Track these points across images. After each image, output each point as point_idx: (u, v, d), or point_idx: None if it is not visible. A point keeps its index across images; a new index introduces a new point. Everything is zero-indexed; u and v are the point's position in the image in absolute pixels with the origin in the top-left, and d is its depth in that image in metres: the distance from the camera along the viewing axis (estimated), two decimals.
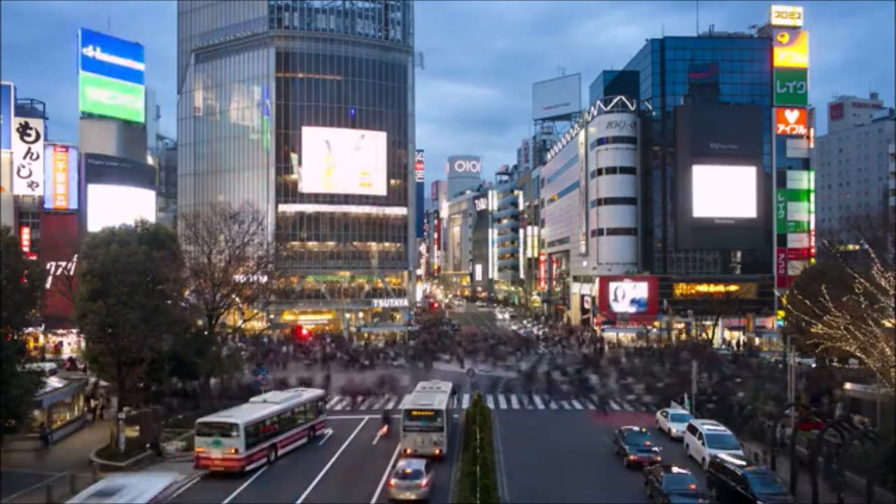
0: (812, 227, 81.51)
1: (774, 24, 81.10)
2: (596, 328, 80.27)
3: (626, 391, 47.02)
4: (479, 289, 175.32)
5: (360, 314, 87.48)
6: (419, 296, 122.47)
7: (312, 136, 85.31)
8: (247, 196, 74.93)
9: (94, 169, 72.23)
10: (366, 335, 78.83)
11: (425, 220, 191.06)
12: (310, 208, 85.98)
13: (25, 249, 51.38)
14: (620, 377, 50.96)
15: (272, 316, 74.12)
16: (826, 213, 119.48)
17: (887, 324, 28.94)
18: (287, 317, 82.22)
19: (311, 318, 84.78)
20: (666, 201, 79.68)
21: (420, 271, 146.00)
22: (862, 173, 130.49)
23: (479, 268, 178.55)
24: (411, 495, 24.70)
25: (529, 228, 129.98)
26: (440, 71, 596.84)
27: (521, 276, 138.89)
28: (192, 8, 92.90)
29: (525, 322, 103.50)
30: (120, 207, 64.20)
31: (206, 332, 42.46)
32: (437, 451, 29.96)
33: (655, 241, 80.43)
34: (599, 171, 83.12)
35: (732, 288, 75.63)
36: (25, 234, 65.09)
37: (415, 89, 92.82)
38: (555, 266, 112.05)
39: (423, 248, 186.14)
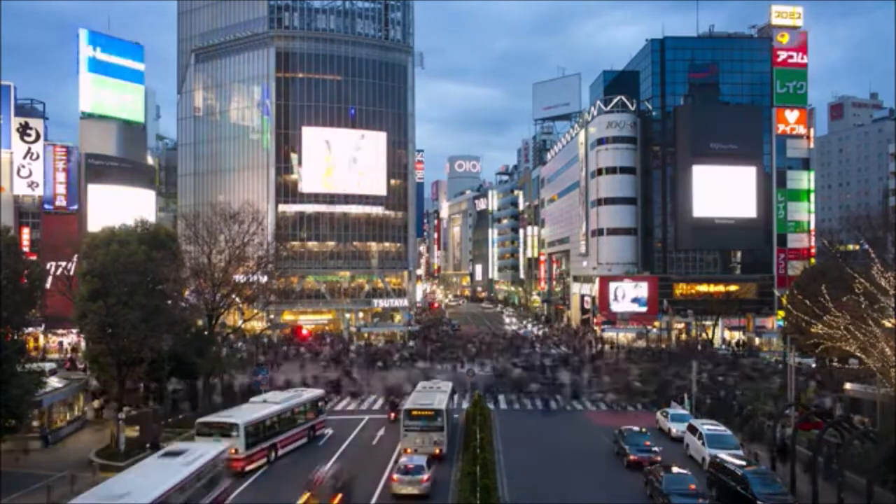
0: (812, 227, 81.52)
1: (774, 24, 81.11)
2: (596, 328, 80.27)
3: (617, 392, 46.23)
4: (479, 289, 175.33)
5: (360, 314, 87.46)
6: (419, 296, 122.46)
7: (312, 136, 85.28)
8: (247, 196, 75.06)
9: (95, 169, 72.36)
10: (366, 335, 78.86)
11: (425, 220, 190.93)
12: (310, 208, 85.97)
13: (25, 249, 51.41)
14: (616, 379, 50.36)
15: (272, 316, 74.06)
16: (826, 213, 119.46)
17: (887, 324, 28.96)
18: (287, 317, 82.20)
19: (311, 318, 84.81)
20: (666, 201, 79.66)
21: (420, 271, 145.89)
22: (862, 173, 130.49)
23: (479, 268, 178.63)
24: (413, 490, 25.15)
25: (529, 228, 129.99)
26: (440, 71, 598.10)
27: (521, 276, 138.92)
28: (192, 8, 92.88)
29: (525, 322, 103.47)
30: (120, 207, 64.20)
31: (206, 332, 42.47)
32: (438, 451, 30.10)
33: (655, 241, 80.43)
34: (599, 171, 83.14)
35: (732, 288, 75.68)
36: (25, 234, 65.22)
37: (415, 89, 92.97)
38: (555, 266, 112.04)
39: (423, 248, 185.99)
